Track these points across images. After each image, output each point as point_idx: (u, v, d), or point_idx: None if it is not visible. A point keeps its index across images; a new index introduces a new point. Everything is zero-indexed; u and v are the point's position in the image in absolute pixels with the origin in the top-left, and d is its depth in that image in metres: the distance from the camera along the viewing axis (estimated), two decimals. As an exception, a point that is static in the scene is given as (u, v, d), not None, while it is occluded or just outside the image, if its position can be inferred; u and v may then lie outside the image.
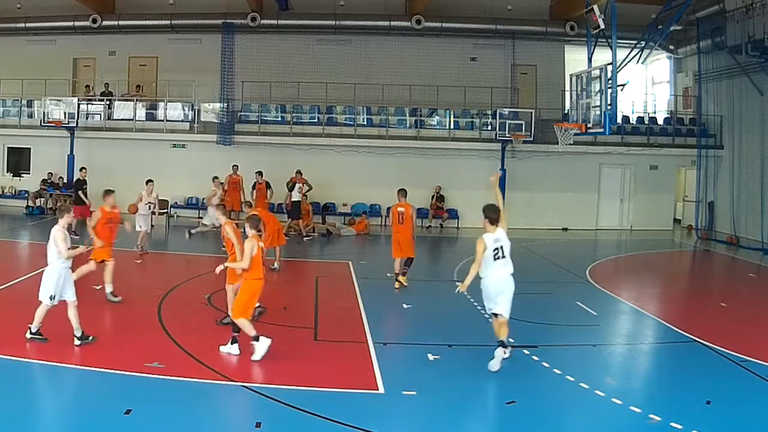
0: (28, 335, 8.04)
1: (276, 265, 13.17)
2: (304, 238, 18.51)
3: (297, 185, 18.85)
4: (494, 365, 7.82)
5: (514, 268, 8.15)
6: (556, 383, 7.79)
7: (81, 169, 18.08)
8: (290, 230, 18.52)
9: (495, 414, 6.79)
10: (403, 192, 12.56)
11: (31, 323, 8.08)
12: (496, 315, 8.13)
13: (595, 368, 8.38)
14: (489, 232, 7.95)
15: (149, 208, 15.05)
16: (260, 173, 18.77)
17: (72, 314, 8.08)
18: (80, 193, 17.49)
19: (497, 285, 8.05)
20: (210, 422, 6.43)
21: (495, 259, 7.92)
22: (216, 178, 16.91)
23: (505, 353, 8.02)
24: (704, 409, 6.96)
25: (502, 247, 7.95)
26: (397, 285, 12.27)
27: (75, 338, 8.03)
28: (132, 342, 8.45)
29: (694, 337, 9.62)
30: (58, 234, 8.05)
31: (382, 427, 6.36)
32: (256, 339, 7.90)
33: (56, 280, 8.01)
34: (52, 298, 8.00)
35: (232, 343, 8.08)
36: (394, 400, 7.01)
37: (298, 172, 19.04)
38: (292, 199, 18.89)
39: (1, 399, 6.60)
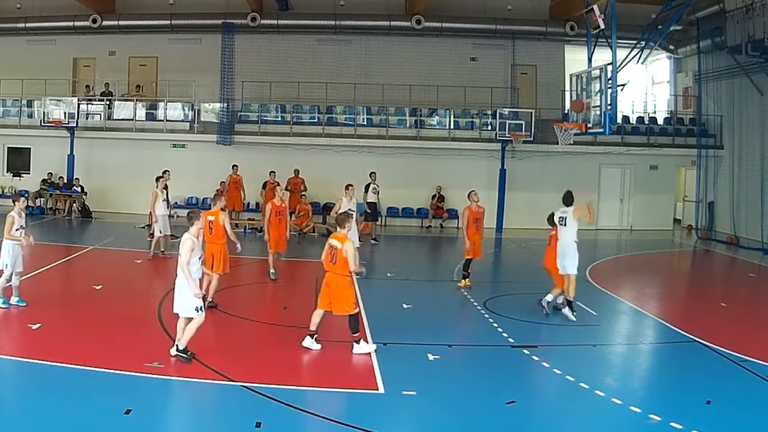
0: (173, 352, 7.59)
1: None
2: (371, 241, 18.40)
3: (372, 186, 18.73)
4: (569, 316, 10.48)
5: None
6: (556, 383, 7.79)
7: (163, 173, 16.43)
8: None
9: (495, 414, 6.78)
10: (476, 193, 12.53)
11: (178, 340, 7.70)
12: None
13: (595, 368, 8.37)
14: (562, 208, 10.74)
15: (166, 207, 14.54)
16: (273, 173, 18.83)
17: (182, 326, 7.76)
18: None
19: (562, 248, 10.61)
20: (210, 422, 6.44)
21: (561, 225, 10.71)
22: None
23: (567, 311, 10.51)
24: (704, 409, 6.96)
25: (565, 218, 10.65)
26: (462, 285, 12.41)
27: (175, 347, 7.74)
28: (132, 342, 8.44)
29: (694, 337, 9.62)
30: (186, 242, 7.58)
31: (382, 427, 6.36)
32: (311, 335, 8.45)
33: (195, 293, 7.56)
34: (198, 309, 7.57)
35: (358, 343, 8.39)
36: (394, 400, 7.01)
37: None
38: (368, 200, 18.66)
39: (1, 398, 6.61)
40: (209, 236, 10.23)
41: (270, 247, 12.61)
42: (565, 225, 10.64)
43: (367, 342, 8.47)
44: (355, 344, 8.38)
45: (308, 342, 8.43)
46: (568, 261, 10.48)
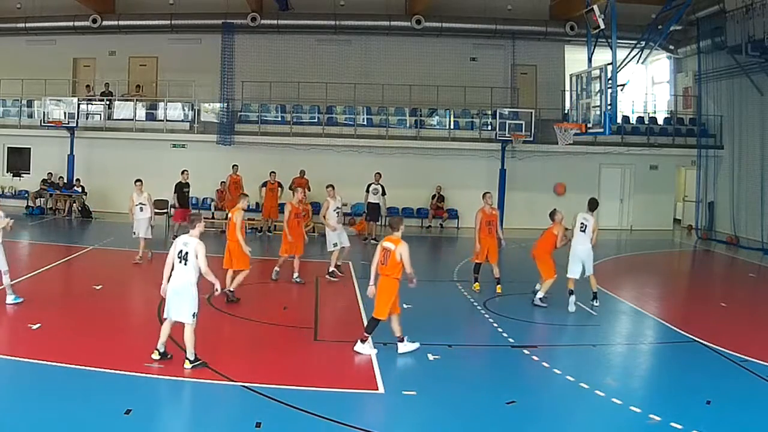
0: (188, 366, 7.40)
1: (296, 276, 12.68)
2: (372, 241, 18.19)
3: (372, 186, 18.74)
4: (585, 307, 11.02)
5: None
6: (556, 383, 7.79)
7: (182, 172, 16.46)
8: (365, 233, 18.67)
9: (495, 414, 6.78)
10: (491, 195, 12.37)
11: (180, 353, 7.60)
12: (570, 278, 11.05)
13: (595, 368, 8.38)
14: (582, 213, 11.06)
15: (141, 210, 14.06)
16: (274, 173, 18.88)
17: (167, 329, 7.67)
18: (176, 196, 16.58)
19: (580, 253, 10.96)
20: (210, 422, 6.43)
21: (581, 231, 11.03)
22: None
23: (595, 303, 11.17)
24: (704, 409, 6.96)
25: (586, 225, 10.96)
26: (477, 287, 12.22)
27: (187, 361, 7.60)
28: (132, 342, 8.44)
29: (694, 337, 9.62)
30: (201, 248, 7.48)
31: (382, 427, 6.37)
32: (401, 340, 8.44)
33: (198, 297, 7.52)
34: (194, 315, 7.45)
35: (363, 342, 8.37)
36: (394, 400, 7.01)
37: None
38: (369, 201, 18.67)
39: (1, 398, 6.61)
40: (228, 233, 10.69)
41: (283, 252, 12.53)
42: (585, 232, 10.99)
43: (371, 346, 8.44)
44: (359, 342, 8.38)
45: (402, 347, 8.43)
46: (587, 265, 11.06)
